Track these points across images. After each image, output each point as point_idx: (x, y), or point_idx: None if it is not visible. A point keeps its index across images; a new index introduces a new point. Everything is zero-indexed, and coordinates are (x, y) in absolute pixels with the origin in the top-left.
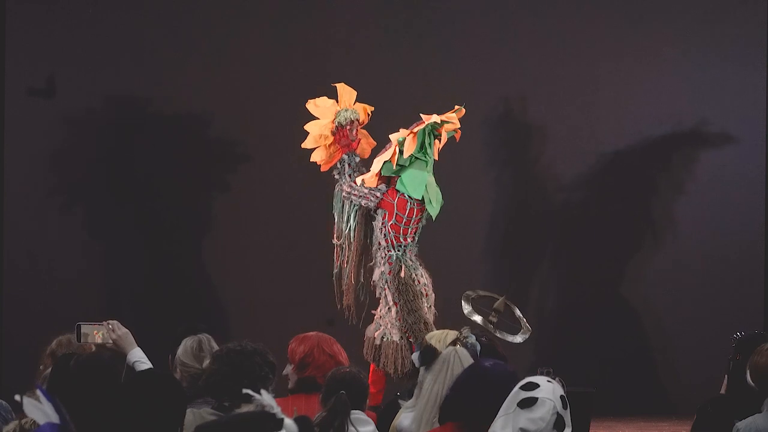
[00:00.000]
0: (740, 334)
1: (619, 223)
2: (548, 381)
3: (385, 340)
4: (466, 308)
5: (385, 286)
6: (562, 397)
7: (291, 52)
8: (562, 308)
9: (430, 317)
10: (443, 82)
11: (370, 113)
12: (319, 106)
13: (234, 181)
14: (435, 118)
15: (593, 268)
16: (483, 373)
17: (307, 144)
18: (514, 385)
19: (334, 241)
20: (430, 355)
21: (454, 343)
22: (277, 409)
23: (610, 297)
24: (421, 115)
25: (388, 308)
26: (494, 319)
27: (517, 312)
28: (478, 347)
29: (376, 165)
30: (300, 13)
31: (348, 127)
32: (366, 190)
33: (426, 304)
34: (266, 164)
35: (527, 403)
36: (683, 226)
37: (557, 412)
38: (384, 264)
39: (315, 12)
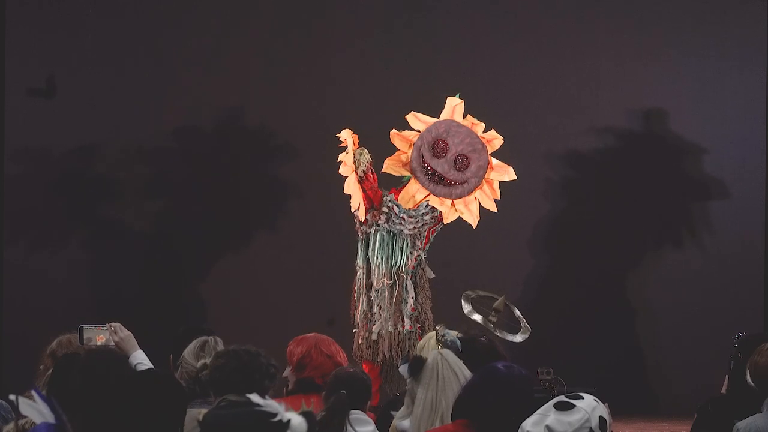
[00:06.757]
0: (742, 334)
1: (619, 223)
2: (595, 400)
3: (395, 331)
4: (466, 308)
5: (407, 277)
6: (601, 418)
7: (293, 52)
8: (562, 308)
9: None
10: (443, 81)
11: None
12: (347, 164)
13: (234, 182)
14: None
15: (593, 268)
16: (496, 376)
17: (354, 206)
18: (527, 388)
19: (382, 282)
20: (418, 366)
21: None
22: (279, 409)
23: (609, 297)
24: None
25: (402, 299)
26: (494, 319)
27: (517, 312)
28: (458, 343)
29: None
30: (302, 13)
31: (370, 171)
32: (428, 216)
33: None
34: (266, 164)
35: (563, 407)
36: (683, 226)
37: (589, 427)
38: (411, 259)
39: (317, 12)
